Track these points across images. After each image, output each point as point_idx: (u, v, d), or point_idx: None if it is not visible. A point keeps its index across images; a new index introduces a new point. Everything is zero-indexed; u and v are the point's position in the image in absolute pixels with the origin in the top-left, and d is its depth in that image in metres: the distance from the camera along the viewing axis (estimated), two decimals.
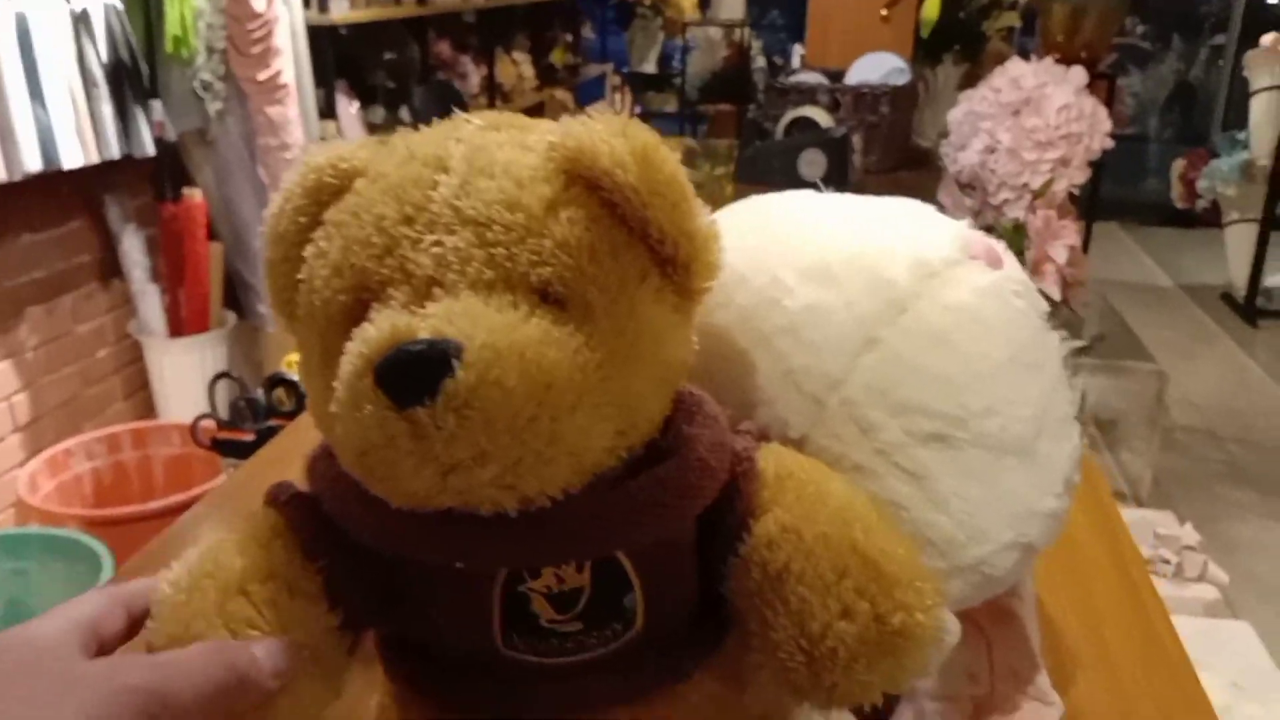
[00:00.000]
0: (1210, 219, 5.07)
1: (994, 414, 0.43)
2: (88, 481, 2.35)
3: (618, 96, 5.70)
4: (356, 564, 0.42)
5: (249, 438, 1.34)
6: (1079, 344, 2.11)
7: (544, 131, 0.41)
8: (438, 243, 0.37)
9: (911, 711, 0.57)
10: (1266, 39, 4.68)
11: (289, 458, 0.45)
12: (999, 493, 0.44)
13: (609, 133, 0.39)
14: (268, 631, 0.39)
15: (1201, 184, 4.73)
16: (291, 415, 1.38)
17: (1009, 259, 0.47)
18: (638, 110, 5.54)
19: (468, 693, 0.43)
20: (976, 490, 0.44)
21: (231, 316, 2.85)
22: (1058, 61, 2.50)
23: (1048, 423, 0.45)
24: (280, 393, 1.35)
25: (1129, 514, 2.11)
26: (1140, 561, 0.75)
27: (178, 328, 2.69)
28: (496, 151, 0.40)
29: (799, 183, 1.91)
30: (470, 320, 0.35)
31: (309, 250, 0.41)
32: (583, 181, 0.39)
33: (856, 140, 1.90)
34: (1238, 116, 5.01)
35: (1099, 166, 3.61)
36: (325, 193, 0.41)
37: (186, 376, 2.70)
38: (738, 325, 0.48)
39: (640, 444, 0.41)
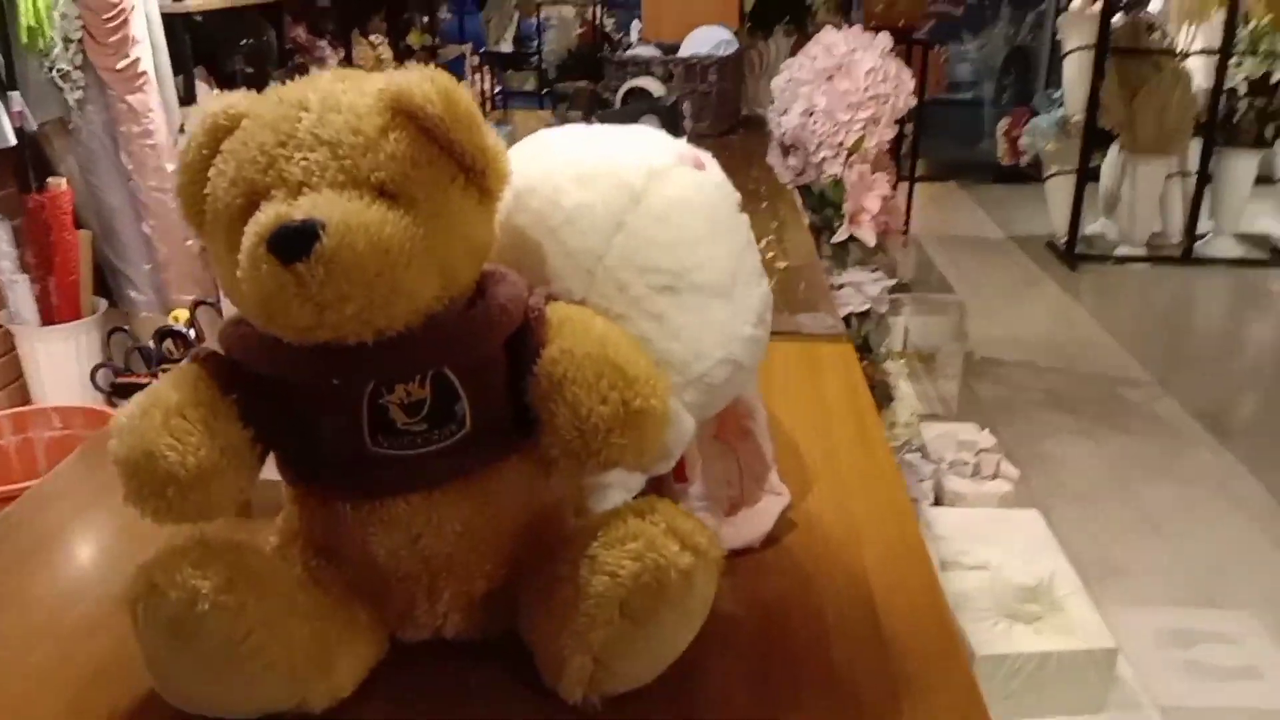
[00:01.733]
0: (1035, 174, 5.51)
1: (701, 268, 0.63)
2: None
3: (477, 76, 5.80)
4: (260, 396, 0.59)
5: (144, 380, 1.47)
6: (892, 282, 2.37)
7: (375, 81, 0.59)
8: (304, 159, 0.55)
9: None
10: (1076, 3, 5.09)
11: None
12: (711, 324, 0.64)
13: (421, 79, 0.57)
14: (201, 439, 0.56)
15: (1024, 141, 5.12)
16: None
17: (712, 164, 0.66)
18: (499, 89, 5.65)
19: (350, 481, 0.61)
20: (695, 323, 0.64)
21: (103, 303, 2.90)
22: (877, 30, 2.76)
23: (740, 275, 0.65)
24: (169, 343, 1.48)
25: (939, 427, 2.41)
26: (874, 412, 0.97)
27: (49, 316, 2.73)
28: (342, 96, 0.57)
29: None
30: (330, 207, 0.53)
31: (212, 171, 0.58)
32: (404, 114, 0.57)
33: (687, 107, 2.10)
34: (1059, 77, 5.41)
35: (920, 127, 3.91)
36: (220, 132, 0.58)
37: (61, 363, 2.75)
38: (533, 223, 0.67)
39: (460, 296, 0.60)
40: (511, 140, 0.68)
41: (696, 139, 2.13)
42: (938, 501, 2.03)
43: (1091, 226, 5.29)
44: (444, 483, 0.60)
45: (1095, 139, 4.88)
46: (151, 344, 1.50)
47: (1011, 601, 1.53)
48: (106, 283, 2.97)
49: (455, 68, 5.99)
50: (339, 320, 0.53)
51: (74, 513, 0.84)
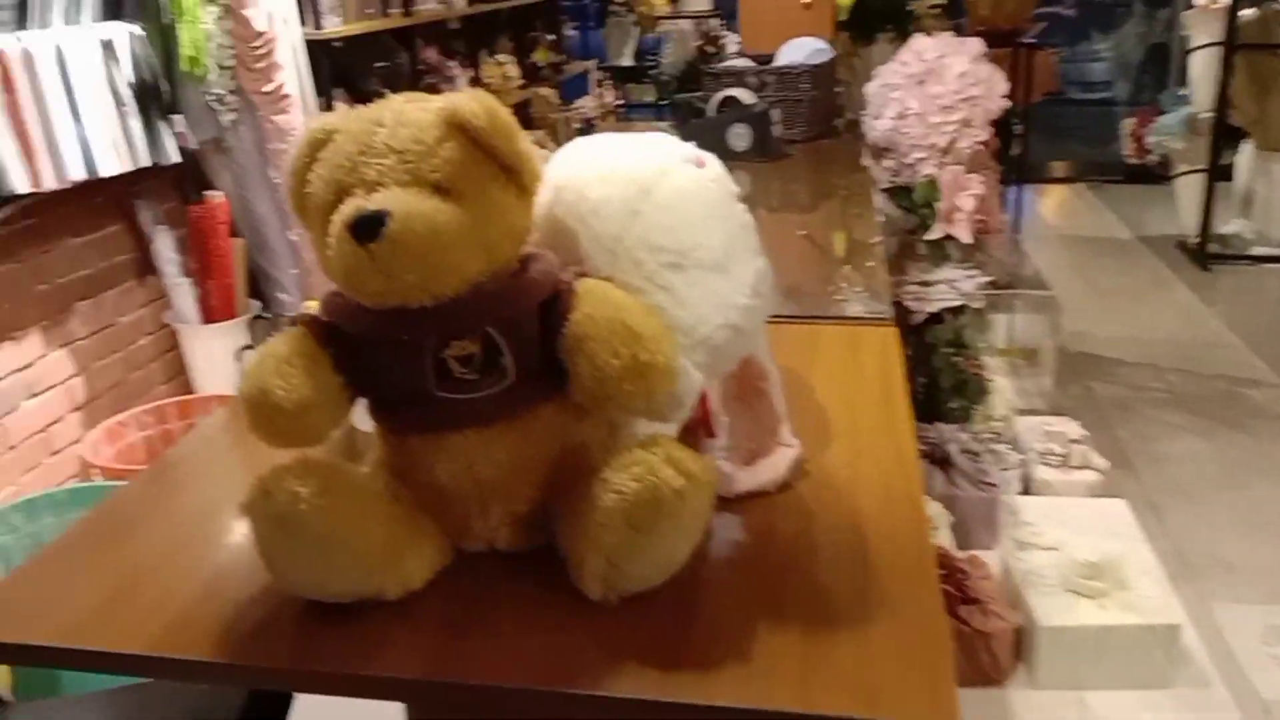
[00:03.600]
0: (1166, 173, 5.36)
1: (700, 247, 0.76)
2: (140, 449, 2.71)
3: (600, 90, 6.02)
4: (349, 352, 0.75)
5: None
6: (987, 279, 2.42)
7: (437, 101, 0.74)
8: (379, 164, 0.71)
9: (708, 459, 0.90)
10: None
11: None
12: (711, 294, 0.77)
13: (470, 98, 0.72)
14: (304, 381, 0.72)
15: (1150, 139, 5.01)
16: None
17: (712, 162, 0.80)
18: (621, 101, 5.85)
19: (419, 418, 0.76)
20: (699, 294, 0.77)
21: (255, 304, 3.19)
22: (984, 34, 2.82)
23: (734, 253, 0.78)
24: None
25: (1032, 420, 2.44)
26: (903, 388, 1.08)
27: (208, 315, 3.03)
28: (409, 113, 0.73)
29: (729, 152, 2.23)
30: (396, 201, 0.69)
31: (311, 174, 0.74)
32: (457, 127, 0.72)
33: (777, 114, 2.22)
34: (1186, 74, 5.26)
35: (1030, 128, 3.89)
36: (317, 145, 0.75)
37: (218, 357, 3.05)
38: (567, 213, 0.81)
39: (503, 270, 0.75)
40: None
41: (787, 144, 2.25)
42: (1026, 490, 2.08)
43: (1227, 226, 5.12)
44: (493, 421, 0.75)
45: (1225, 136, 4.74)
46: None
47: (1076, 577, 1.58)
48: (259, 286, 3.27)
49: (580, 82, 6.23)
50: (403, 287, 0.69)
51: (213, 457, 1.02)
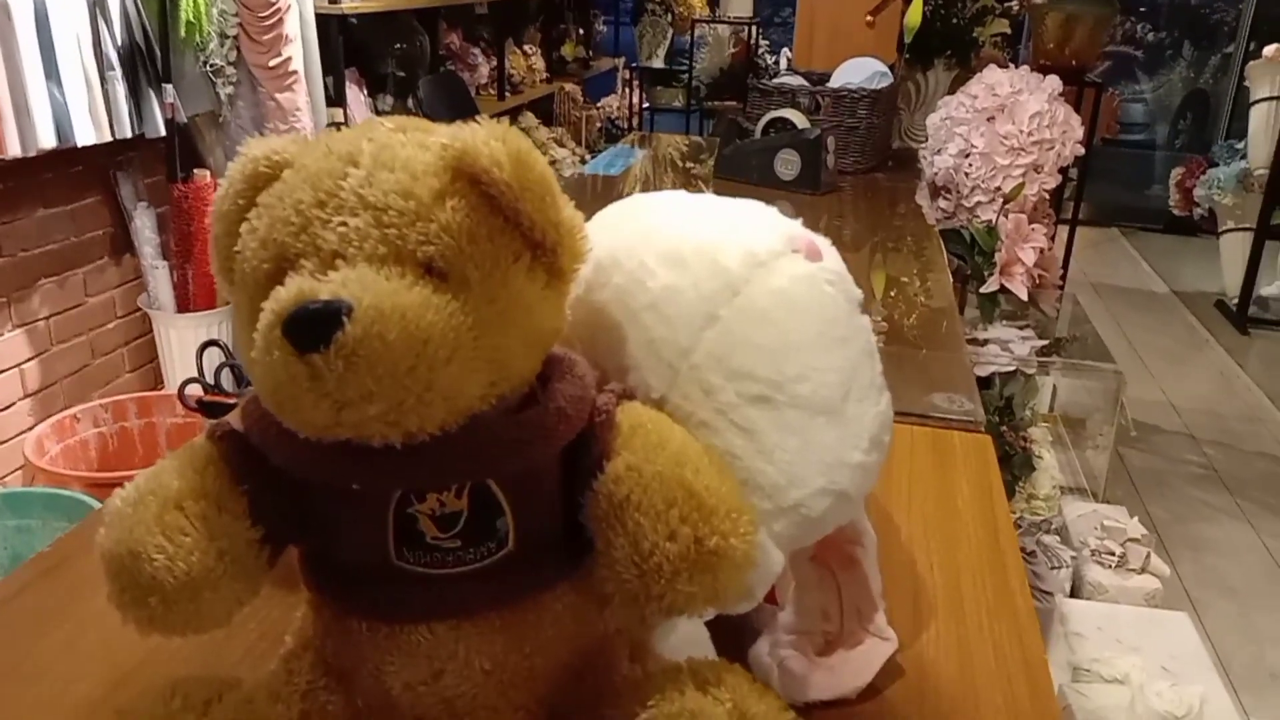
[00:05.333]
0: (1209, 227, 5.13)
1: (805, 379, 0.52)
2: (93, 446, 2.46)
3: (627, 90, 5.77)
4: (276, 489, 0.51)
5: (231, 401, 1.44)
6: (1042, 343, 2.18)
7: (441, 134, 0.50)
8: (343, 223, 0.46)
9: (769, 643, 0.66)
10: (1269, 50, 4.71)
11: None
12: (813, 445, 0.53)
13: (490, 137, 0.47)
14: (197, 539, 0.48)
15: (1198, 192, 4.77)
16: None
17: (830, 253, 0.55)
18: (646, 105, 5.61)
19: (368, 597, 0.52)
20: (794, 443, 0.53)
21: None
22: (1047, 69, 2.58)
23: (854, 389, 0.53)
24: None
25: (1082, 506, 2.20)
26: (1011, 530, 0.84)
27: (185, 303, 2.79)
28: (399, 149, 0.48)
29: (775, 180, 1.99)
30: (362, 286, 0.44)
31: (244, 227, 0.50)
32: (467, 177, 0.47)
33: (831, 142, 1.97)
34: (1242, 126, 5.03)
35: (1085, 172, 3.66)
36: (260, 180, 0.50)
37: (193, 349, 2.80)
38: (613, 302, 0.57)
39: (512, 394, 0.50)
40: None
41: (840, 175, 2.00)
42: (1074, 593, 1.84)
43: (1268, 288, 4.88)
44: (476, 611, 0.51)
45: (1279, 195, 4.50)
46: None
47: None
48: None
49: (607, 80, 5.99)
50: (359, 420, 0.44)
51: (82, 581, 0.77)
